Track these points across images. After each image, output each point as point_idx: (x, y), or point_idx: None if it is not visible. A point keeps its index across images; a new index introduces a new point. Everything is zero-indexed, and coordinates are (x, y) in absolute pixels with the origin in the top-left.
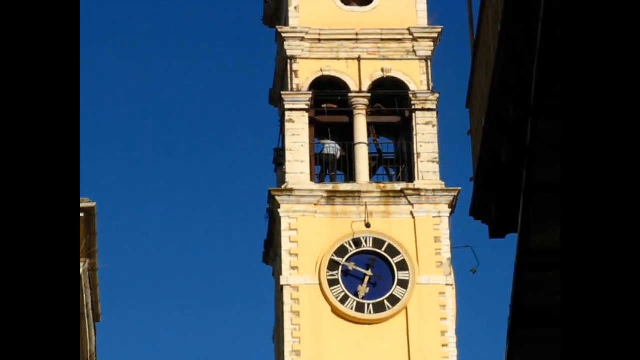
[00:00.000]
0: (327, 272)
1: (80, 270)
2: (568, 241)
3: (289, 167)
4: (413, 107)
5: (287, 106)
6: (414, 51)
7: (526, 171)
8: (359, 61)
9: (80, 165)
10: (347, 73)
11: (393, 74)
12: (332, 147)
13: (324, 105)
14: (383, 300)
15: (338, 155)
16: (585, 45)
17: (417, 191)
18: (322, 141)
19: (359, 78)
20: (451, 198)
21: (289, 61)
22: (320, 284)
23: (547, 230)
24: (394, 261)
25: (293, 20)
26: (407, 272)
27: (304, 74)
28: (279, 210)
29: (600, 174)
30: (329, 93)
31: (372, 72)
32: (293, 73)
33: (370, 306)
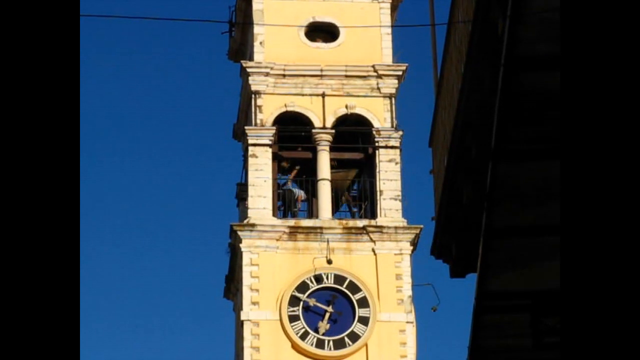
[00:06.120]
0: (288, 308)
1: None
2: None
3: (251, 202)
4: (376, 144)
5: (250, 141)
6: (378, 88)
7: (486, 215)
8: (323, 97)
9: None
10: (311, 109)
11: (357, 110)
12: (295, 188)
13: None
14: (343, 337)
15: (301, 197)
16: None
17: (379, 228)
18: (286, 180)
19: (323, 114)
20: (413, 236)
21: (253, 96)
22: (281, 320)
23: (505, 274)
24: (354, 298)
25: (258, 56)
26: (367, 309)
27: (268, 109)
28: (241, 245)
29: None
30: (292, 129)
31: (336, 108)
32: (257, 108)
33: (331, 342)
